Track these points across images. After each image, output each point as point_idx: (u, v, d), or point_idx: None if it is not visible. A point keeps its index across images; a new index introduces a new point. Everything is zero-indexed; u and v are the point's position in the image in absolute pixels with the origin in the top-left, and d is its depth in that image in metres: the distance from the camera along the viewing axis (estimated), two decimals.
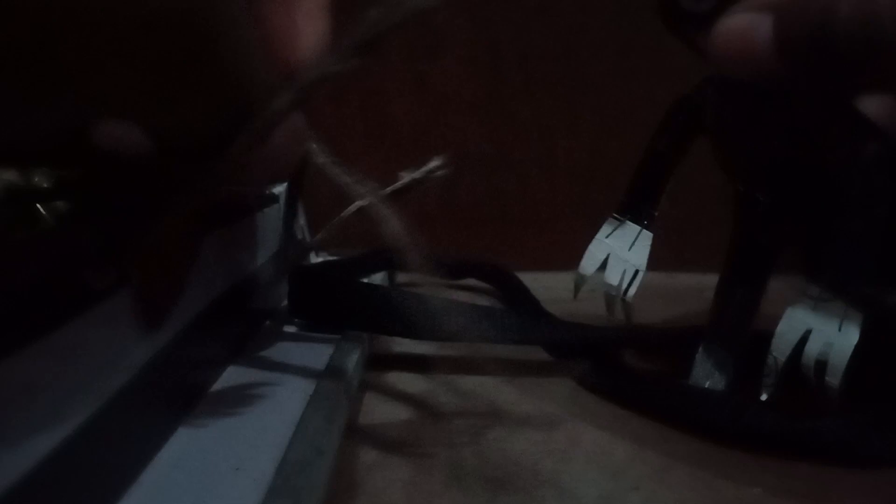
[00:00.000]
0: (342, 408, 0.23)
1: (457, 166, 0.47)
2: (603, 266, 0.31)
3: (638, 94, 0.46)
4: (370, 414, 0.26)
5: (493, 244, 0.48)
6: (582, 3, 0.45)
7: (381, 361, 0.30)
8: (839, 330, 0.23)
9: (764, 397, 0.24)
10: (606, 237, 0.31)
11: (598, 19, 0.45)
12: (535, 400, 0.27)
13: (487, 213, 0.49)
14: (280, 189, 0.35)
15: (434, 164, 0.30)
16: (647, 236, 0.30)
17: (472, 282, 0.43)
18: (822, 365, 0.23)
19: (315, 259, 0.41)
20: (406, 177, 0.30)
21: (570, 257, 0.48)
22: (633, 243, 0.30)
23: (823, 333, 0.23)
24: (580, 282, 0.31)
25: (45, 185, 0.23)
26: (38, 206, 0.22)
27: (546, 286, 0.40)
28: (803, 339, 0.23)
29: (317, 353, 0.27)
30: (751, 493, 0.21)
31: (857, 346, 0.22)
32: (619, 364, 0.30)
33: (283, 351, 0.28)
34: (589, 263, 0.31)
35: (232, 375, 0.25)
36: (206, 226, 0.22)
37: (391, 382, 0.28)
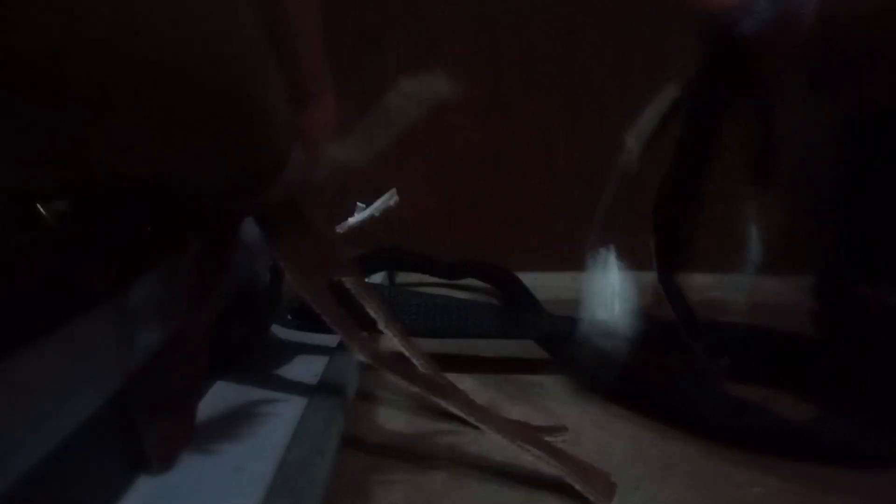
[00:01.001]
0: (341, 409, 0.23)
1: (458, 166, 0.47)
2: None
3: (637, 94, 0.46)
4: (370, 415, 0.26)
5: (493, 244, 0.48)
6: (582, 4, 0.45)
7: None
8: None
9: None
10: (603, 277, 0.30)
11: (597, 20, 0.45)
12: (535, 400, 0.27)
13: (487, 213, 0.49)
14: None
15: (388, 196, 0.30)
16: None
17: (472, 282, 0.42)
18: None
19: None
20: (364, 210, 0.31)
21: (569, 257, 0.48)
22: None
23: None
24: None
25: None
26: (38, 206, 0.23)
27: (546, 286, 0.40)
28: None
29: (316, 355, 0.27)
30: (751, 493, 0.21)
31: None
32: (620, 364, 0.30)
33: (282, 353, 0.28)
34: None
35: (232, 377, 0.25)
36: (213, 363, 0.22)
37: (390, 383, 0.28)
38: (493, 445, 0.23)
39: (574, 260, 0.48)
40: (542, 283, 0.40)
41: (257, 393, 0.24)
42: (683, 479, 0.21)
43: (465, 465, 0.22)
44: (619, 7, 0.44)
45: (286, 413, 0.22)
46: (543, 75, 0.46)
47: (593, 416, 0.26)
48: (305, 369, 0.26)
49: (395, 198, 0.30)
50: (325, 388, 0.24)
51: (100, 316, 0.17)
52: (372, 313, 0.25)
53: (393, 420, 0.25)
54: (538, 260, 0.47)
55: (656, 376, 0.29)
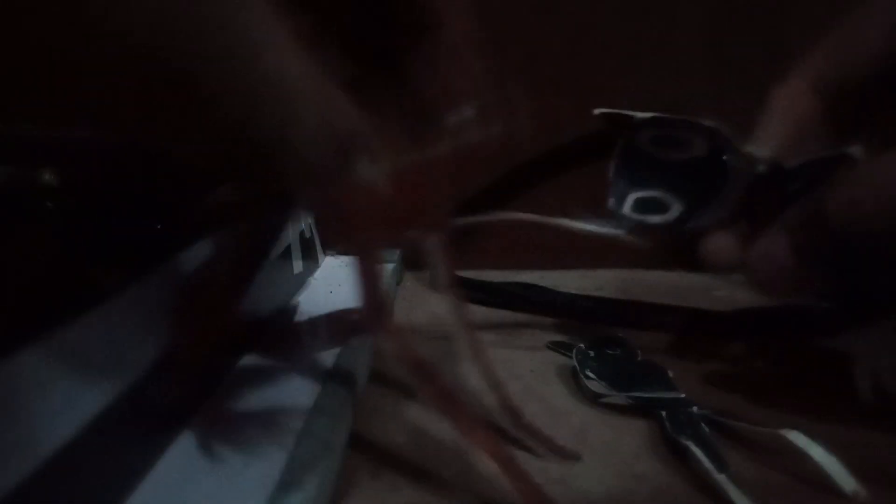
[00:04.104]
0: (350, 404, 0.23)
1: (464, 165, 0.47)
2: None
3: (645, 92, 0.46)
4: (378, 411, 0.26)
5: (498, 243, 0.48)
6: (589, 1, 0.45)
7: (387, 360, 0.30)
8: None
9: None
10: None
11: (605, 17, 0.45)
12: (540, 397, 0.27)
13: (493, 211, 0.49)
14: None
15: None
16: None
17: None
18: None
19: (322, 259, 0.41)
20: None
21: (576, 256, 0.48)
22: None
23: None
24: None
25: (50, 183, 0.24)
26: (41, 203, 0.23)
27: (552, 284, 0.40)
28: None
29: (325, 353, 0.28)
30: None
31: None
32: None
33: (292, 346, 0.28)
34: None
35: (241, 373, 0.25)
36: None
37: (397, 381, 0.28)
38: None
39: (581, 258, 0.48)
40: (548, 282, 0.40)
41: (266, 388, 0.24)
42: (691, 475, 0.22)
43: (473, 462, 0.22)
44: (627, 4, 0.44)
45: (294, 409, 0.22)
46: (550, 74, 0.46)
47: (599, 412, 0.26)
48: (314, 366, 0.26)
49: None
50: (334, 383, 0.24)
51: (108, 312, 0.17)
52: None
53: (401, 416, 0.25)
54: (545, 258, 0.47)
55: None
